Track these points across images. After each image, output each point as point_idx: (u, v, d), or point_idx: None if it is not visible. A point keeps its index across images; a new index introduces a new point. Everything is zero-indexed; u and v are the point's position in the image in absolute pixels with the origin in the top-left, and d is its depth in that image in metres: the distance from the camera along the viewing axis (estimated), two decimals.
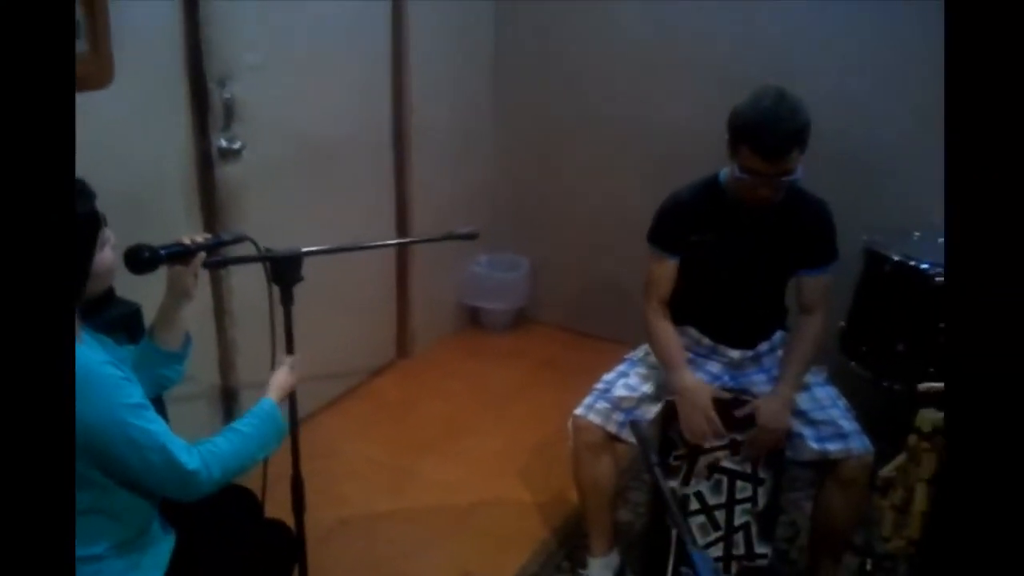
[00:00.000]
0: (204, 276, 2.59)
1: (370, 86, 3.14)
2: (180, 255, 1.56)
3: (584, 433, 2.16)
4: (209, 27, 2.42)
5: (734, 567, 2.15)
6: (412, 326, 3.60)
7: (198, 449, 1.43)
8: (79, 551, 1.38)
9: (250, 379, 2.75)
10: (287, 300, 1.65)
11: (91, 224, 1.37)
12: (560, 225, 3.80)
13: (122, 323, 2.01)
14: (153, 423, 1.37)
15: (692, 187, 2.15)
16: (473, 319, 3.96)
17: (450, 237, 1.98)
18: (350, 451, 2.94)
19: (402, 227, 3.40)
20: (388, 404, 3.31)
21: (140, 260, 1.49)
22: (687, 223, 2.13)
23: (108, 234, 1.42)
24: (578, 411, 2.18)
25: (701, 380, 2.12)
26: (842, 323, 2.80)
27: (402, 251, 3.47)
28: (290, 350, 1.74)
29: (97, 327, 1.88)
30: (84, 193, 1.38)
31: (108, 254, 1.41)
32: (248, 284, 2.63)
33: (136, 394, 1.37)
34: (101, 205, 1.46)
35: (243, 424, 1.54)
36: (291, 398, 1.76)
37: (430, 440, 3.04)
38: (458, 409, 3.26)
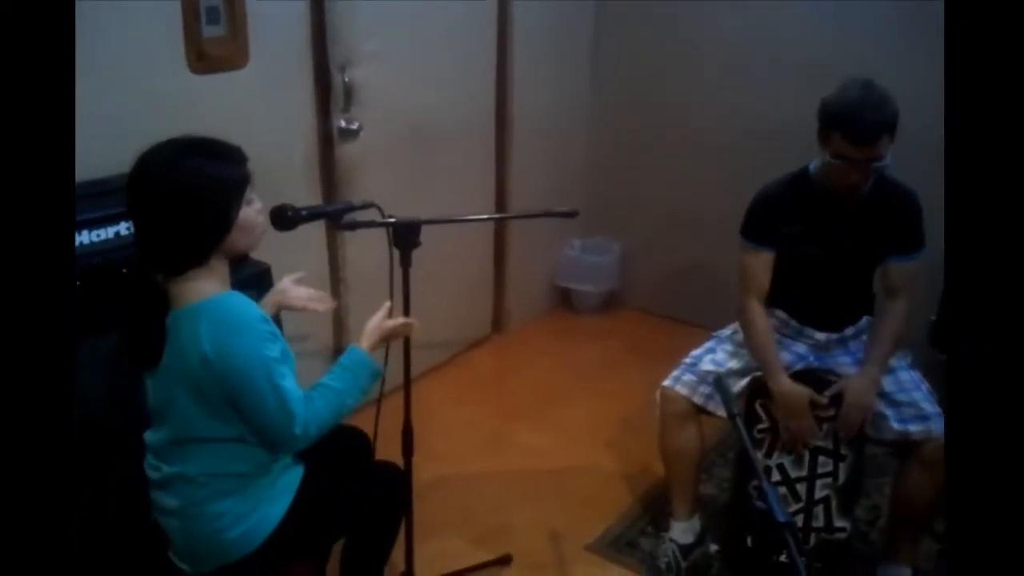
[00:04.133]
0: (321, 245, 2.85)
1: (475, 73, 3.30)
2: (317, 216, 1.76)
3: (671, 403, 2.28)
4: (333, 16, 2.61)
5: (813, 538, 2.23)
6: (507, 304, 3.78)
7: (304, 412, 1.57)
8: (228, 468, 1.59)
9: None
10: (406, 263, 1.83)
11: (240, 181, 1.58)
12: (652, 212, 3.90)
13: (253, 281, 2.22)
14: (284, 379, 1.55)
15: (780, 181, 2.22)
16: (565, 300, 4.10)
17: (549, 214, 2.11)
18: (448, 414, 3.14)
19: (500, 207, 3.57)
20: (484, 374, 3.51)
21: (283, 218, 1.69)
22: (777, 216, 2.19)
23: (253, 195, 1.62)
24: (666, 382, 2.30)
25: (797, 385, 2.15)
26: (932, 316, 2.81)
27: (500, 233, 3.64)
28: (407, 308, 1.92)
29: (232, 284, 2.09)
30: (238, 156, 1.59)
31: (252, 212, 1.61)
32: (361, 254, 2.84)
33: (277, 350, 1.56)
34: None
35: (335, 379, 1.68)
36: (405, 353, 1.93)
37: (522, 408, 3.21)
38: (549, 382, 3.42)
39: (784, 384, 2.14)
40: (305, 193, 2.72)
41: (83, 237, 1.88)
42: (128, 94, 2.17)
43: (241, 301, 1.57)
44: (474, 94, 3.32)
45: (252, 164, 1.63)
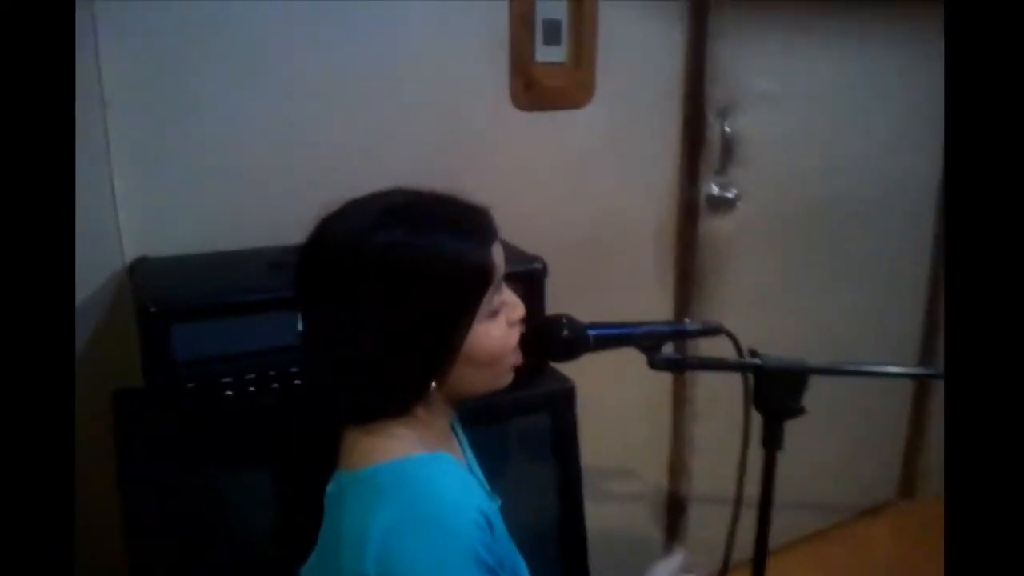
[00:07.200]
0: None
1: (911, 129, 2.38)
2: (615, 341, 0.98)
3: None
4: (717, 43, 1.93)
5: None
6: (924, 461, 2.73)
7: None
8: None
9: (705, 491, 2.19)
10: (773, 438, 0.99)
11: (479, 273, 0.88)
12: None
13: (548, 403, 1.54)
14: None
15: None
16: None
17: None
18: None
19: (934, 327, 2.59)
20: (878, 558, 2.49)
21: (551, 341, 0.95)
22: None
23: (505, 298, 0.91)
24: None
25: None
26: None
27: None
28: (767, 496, 1.08)
29: (512, 406, 1.45)
30: (481, 228, 0.89)
31: (497, 329, 0.90)
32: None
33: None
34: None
35: None
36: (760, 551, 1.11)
37: None
38: None
39: None
40: (652, 281, 2.05)
41: None
42: (422, 129, 1.63)
43: (449, 480, 0.87)
44: (911, 157, 2.40)
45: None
